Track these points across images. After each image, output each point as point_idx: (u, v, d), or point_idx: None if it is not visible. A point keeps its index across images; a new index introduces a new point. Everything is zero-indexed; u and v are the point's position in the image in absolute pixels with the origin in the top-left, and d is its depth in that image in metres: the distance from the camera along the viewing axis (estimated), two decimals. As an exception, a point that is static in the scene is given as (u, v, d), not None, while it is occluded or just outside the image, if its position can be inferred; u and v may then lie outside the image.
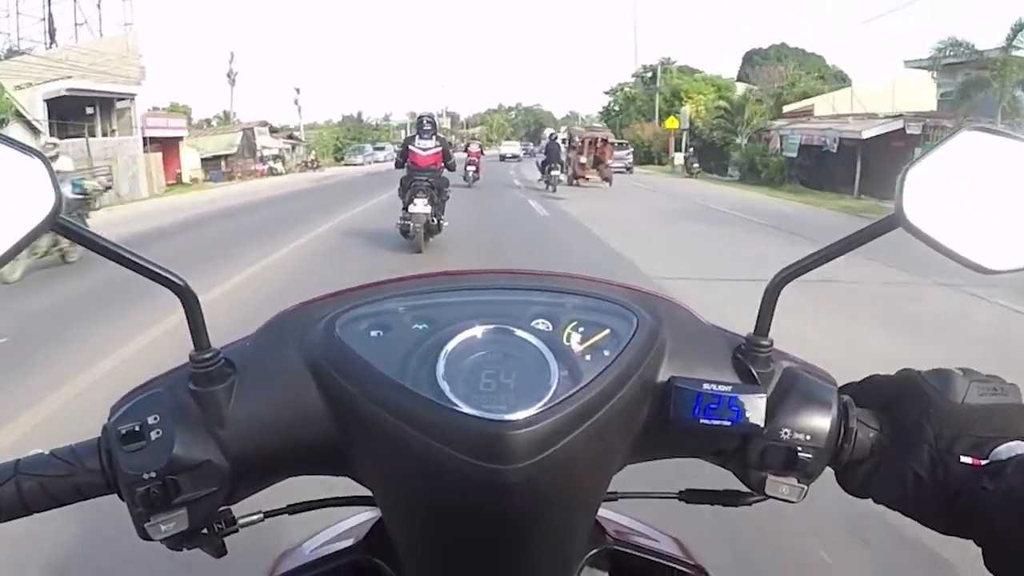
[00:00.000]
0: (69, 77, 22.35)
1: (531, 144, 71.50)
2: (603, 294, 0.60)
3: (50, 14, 27.59)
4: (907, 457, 0.54)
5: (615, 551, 0.69)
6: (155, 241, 11.01)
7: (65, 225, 0.48)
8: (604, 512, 0.72)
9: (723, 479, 0.64)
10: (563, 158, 22.59)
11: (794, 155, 27.15)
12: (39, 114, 20.62)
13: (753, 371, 0.57)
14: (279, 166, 38.24)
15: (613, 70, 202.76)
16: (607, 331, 0.55)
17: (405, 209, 8.98)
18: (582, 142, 24.90)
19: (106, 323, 5.80)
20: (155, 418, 0.52)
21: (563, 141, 24.33)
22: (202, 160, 34.60)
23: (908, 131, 21.39)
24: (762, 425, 0.54)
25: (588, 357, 0.53)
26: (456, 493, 0.50)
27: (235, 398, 0.54)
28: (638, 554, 0.70)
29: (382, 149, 56.26)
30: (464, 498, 0.50)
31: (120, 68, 25.37)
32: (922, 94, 24.42)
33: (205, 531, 0.58)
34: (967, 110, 19.39)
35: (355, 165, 48.65)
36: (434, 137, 9.30)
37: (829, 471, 0.59)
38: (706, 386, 0.54)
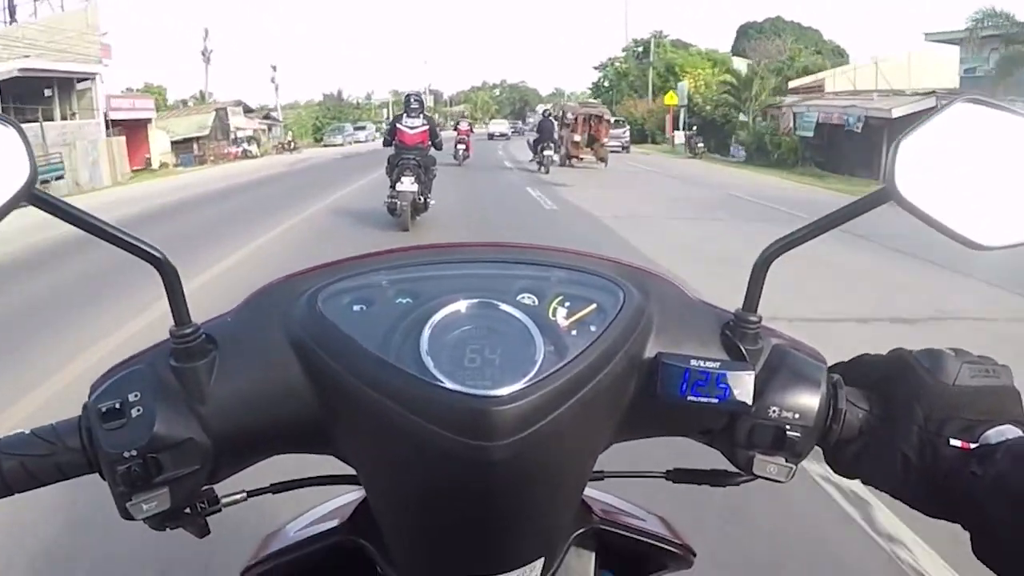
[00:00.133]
0: (26, 56, 20.94)
1: (519, 122, 71.30)
2: (590, 268, 0.59)
3: (7, -12, 26.06)
4: (896, 438, 0.54)
5: (602, 530, 0.68)
6: (92, 243, 9.76)
7: (41, 196, 0.48)
8: (591, 491, 0.70)
9: (712, 459, 0.64)
10: (556, 136, 21.45)
11: (810, 134, 25.50)
12: (-11, 97, 19.26)
13: (742, 348, 0.57)
14: (254, 148, 36.83)
15: (601, 45, 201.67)
16: (593, 306, 0.55)
17: (392, 187, 9.13)
18: (575, 119, 23.70)
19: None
20: (136, 395, 0.52)
21: (555, 118, 23.15)
22: (173, 143, 33.25)
23: (941, 110, 20.29)
24: (750, 403, 0.54)
25: (574, 332, 0.53)
26: (440, 470, 0.50)
27: (216, 374, 0.54)
28: (625, 533, 0.71)
29: (363, 128, 54.86)
30: (448, 475, 0.50)
31: (80, 46, 23.91)
32: (944, 69, 23.37)
33: (188, 511, 0.58)
34: (1008, 86, 18.12)
35: (335, 146, 47.24)
36: (421, 116, 9.42)
37: (817, 450, 0.59)
38: (694, 362, 0.54)
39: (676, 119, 37.62)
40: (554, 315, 0.54)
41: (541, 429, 0.48)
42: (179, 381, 0.53)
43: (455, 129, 25.51)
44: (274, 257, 7.93)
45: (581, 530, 0.66)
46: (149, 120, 31.01)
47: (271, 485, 0.69)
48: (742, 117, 31.32)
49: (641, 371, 0.55)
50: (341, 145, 47.61)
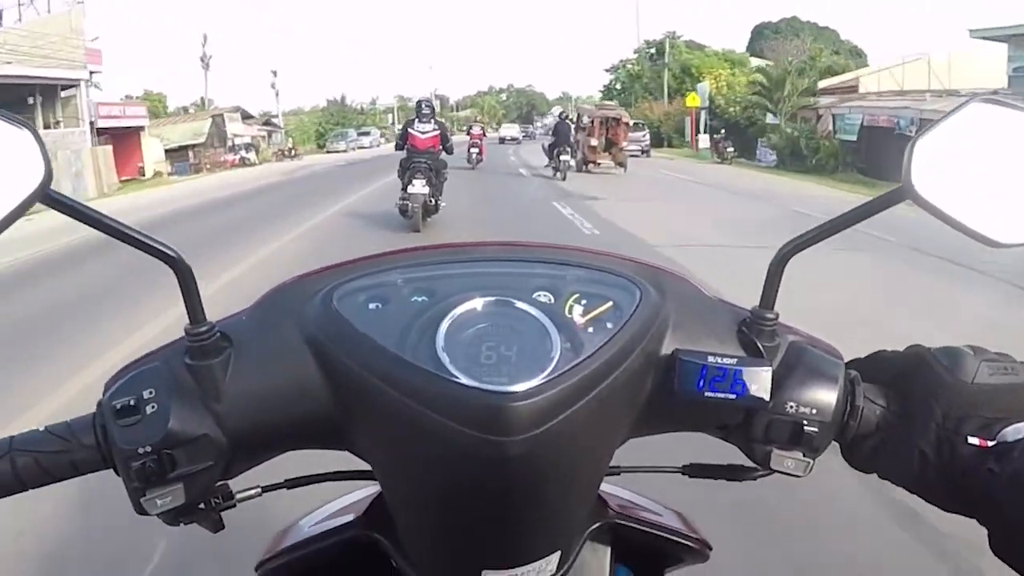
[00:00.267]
0: (8, 63, 19.79)
1: (529, 127, 70.84)
2: (606, 266, 0.60)
3: (-11, -9, 24.93)
4: (914, 435, 0.55)
5: (617, 525, 0.69)
6: (44, 274, 8.45)
7: (56, 197, 0.49)
8: (607, 487, 0.71)
9: (728, 454, 0.64)
10: (572, 140, 20.14)
11: (853, 138, 23.79)
12: (-35, 104, 18.03)
13: (758, 344, 0.57)
14: (252, 156, 35.60)
15: (610, 48, 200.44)
16: (610, 303, 0.55)
17: (404, 190, 9.54)
18: (592, 122, 22.36)
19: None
20: (150, 392, 0.52)
21: (570, 121, 21.84)
22: (167, 151, 32.19)
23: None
24: (767, 399, 0.54)
25: (591, 329, 0.53)
26: (456, 466, 0.50)
27: (231, 372, 0.54)
28: (641, 528, 0.71)
29: (367, 134, 53.95)
30: (464, 471, 0.50)
31: (65, 51, 22.75)
32: (991, 67, 21.85)
33: (202, 506, 0.58)
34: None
35: (337, 152, 46.11)
36: (433, 121, 9.88)
37: (834, 445, 0.59)
38: (711, 359, 0.54)
39: (697, 122, 36.05)
40: (570, 313, 0.54)
41: (557, 425, 0.48)
42: (194, 378, 0.54)
43: (468, 133, 25.80)
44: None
45: (597, 524, 0.66)
46: (142, 128, 29.95)
47: (286, 480, 0.69)
48: (769, 119, 29.64)
49: (658, 368, 0.56)
50: (344, 151, 46.51)
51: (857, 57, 50.06)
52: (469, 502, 0.53)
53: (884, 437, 0.57)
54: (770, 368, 0.55)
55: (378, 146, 51.69)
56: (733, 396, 0.54)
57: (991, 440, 0.52)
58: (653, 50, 53.81)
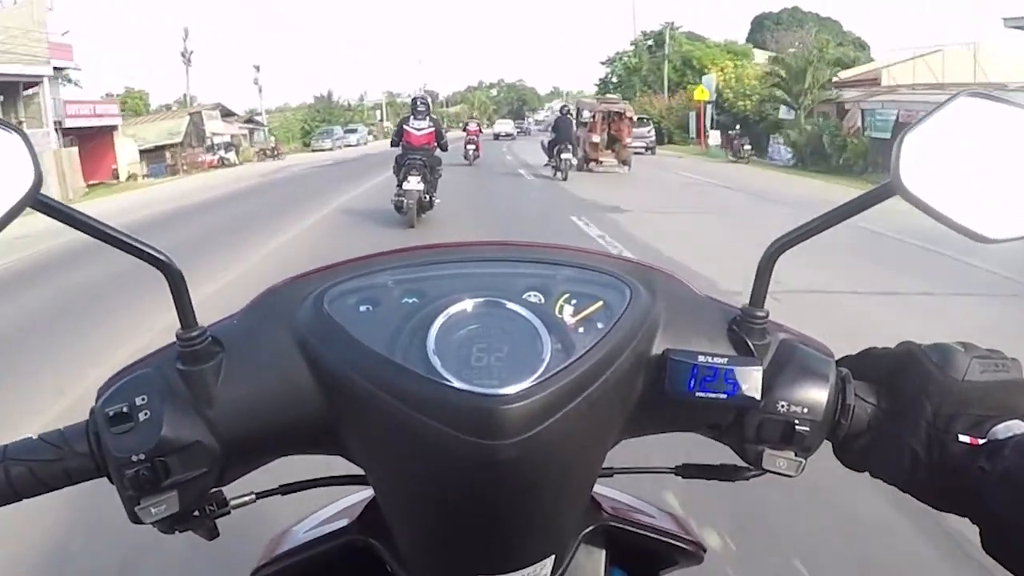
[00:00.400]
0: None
1: (523, 122, 71.76)
2: (596, 266, 0.60)
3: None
4: (905, 433, 0.55)
5: (611, 527, 0.69)
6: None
7: (46, 201, 0.48)
8: (600, 488, 0.71)
9: (721, 454, 0.64)
10: (573, 137, 18.92)
11: (886, 136, 21.52)
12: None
13: (749, 343, 0.58)
14: (231, 156, 34.03)
15: (603, 42, 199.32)
16: (600, 303, 0.56)
17: (399, 186, 9.80)
18: (594, 117, 21.12)
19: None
20: (143, 399, 0.52)
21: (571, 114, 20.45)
22: (143, 152, 30.83)
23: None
24: (759, 398, 0.55)
25: (581, 330, 0.54)
26: (448, 469, 0.51)
27: (223, 377, 0.54)
28: (635, 530, 0.71)
29: (354, 131, 52.49)
30: (456, 474, 0.51)
31: (27, 45, 21.41)
32: (1020, 59, 20.76)
33: (197, 513, 0.58)
34: None
35: (323, 151, 44.42)
36: (428, 118, 10.10)
37: (827, 445, 0.59)
38: (701, 358, 0.55)
39: (702, 117, 34.64)
40: (561, 313, 0.55)
41: (549, 427, 0.49)
42: (186, 384, 0.54)
43: (464, 130, 25.64)
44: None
45: (591, 527, 0.66)
46: (115, 127, 28.58)
47: (280, 486, 0.69)
48: (783, 113, 28.16)
49: (649, 368, 0.56)
50: (330, 150, 44.84)
51: (861, 49, 49.14)
52: (461, 506, 0.53)
53: (875, 436, 0.57)
54: (761, 367, 0.55)
55: (365, 144, 50.42)
56: (724, 396, 0.54)
57: (982, 438, 0.52)
58: (651, 42, 52.59)
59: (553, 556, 0.59)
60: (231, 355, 0.55)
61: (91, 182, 24.35)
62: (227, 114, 40.09)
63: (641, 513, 0.77)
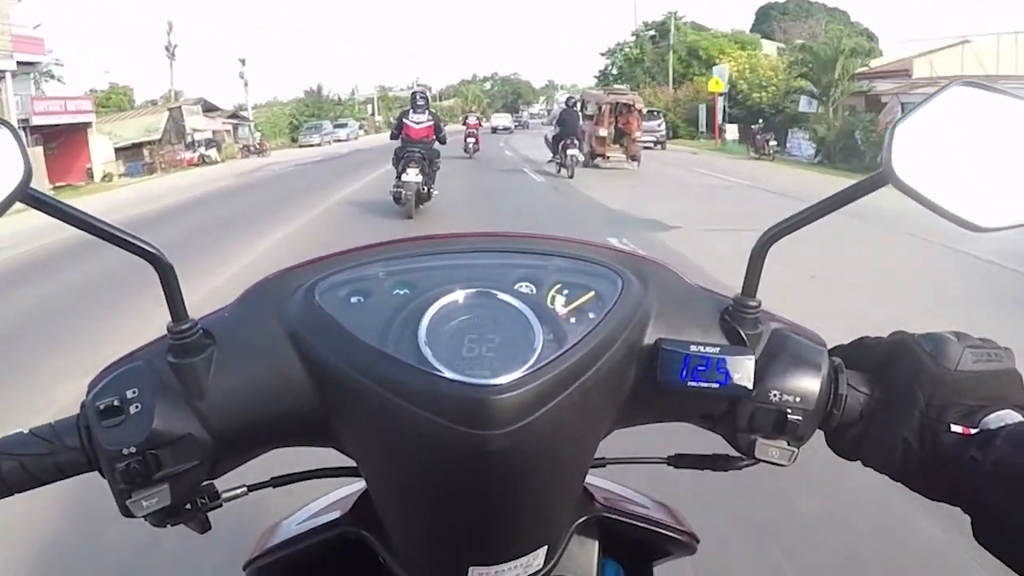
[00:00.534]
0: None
1: (522, 115, 72.39)
2: (587, 256, 0.60)
3: None
4: (897, 423, 0.56)
5: (604, 518, 0.69)
6: None
7: (35, 196, 0.49)
8: (593, 479, 0.72)
9: (713, 444, 0.65)
10: (580, 131, 17.66)
11: None
12: None
13: (741, 332, 0.58)
14: (212, 153, 32.59)
15: (600, 34, 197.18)
16: (592, 293, 0.56)
17: (398, 178, 10.11)
18: (600, 109, 19.86)
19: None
20: (134, 392, 0.53)
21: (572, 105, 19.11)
22: (120, 150, 29.51)
23: None
24: (751, 387, 0.55)
25: (573, 320, 0.54)
26: (440, 460, 0.51)
27: (214, 369, 0.55)
28: (628, 521, 0.72)
29: (343, 126, 51.28)
30: (448, 465, 0.51)
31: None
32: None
33: (188, 506, 0.59)
34: None
35: (311, 146, 43.02)
36: (427, 111, 10.50)
37: (819, 434, 0.60)
38: (693, 348, 0.55)
39: (711, 109, 33.09)
40: (552, 303, 0.55)
41: (541, 417, 0.49)
42: (177, 377, 0.54)
43: (464, 123, 25.78)
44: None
45: (583, 518, 0.66)
46: (88, 124, 27.25)
47: (272, 479, 0.70)
48: (803, 106, 26.70)
49: (641, 357, 0.56)
50: (319, 145, 43.46)
51: (869, 40, 48.09)
52: (453, 497, 0.53)
53: (868, 425, 0.58)
54: (753, 356, 0.55)
55: (356, 139, 49.21)
56: (716, 385, 0.54)
57: (974, 428, 0.53)
58: (653, 32, 51.32)
59: (545, 547, 0.59)
60: (222, 348, 0.55)
61: (58, 184, 22.99)
62: (210, 109, 38.54)
63: (634, 504, 0.77)
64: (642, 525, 0.73)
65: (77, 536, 2.56)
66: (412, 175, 9.90)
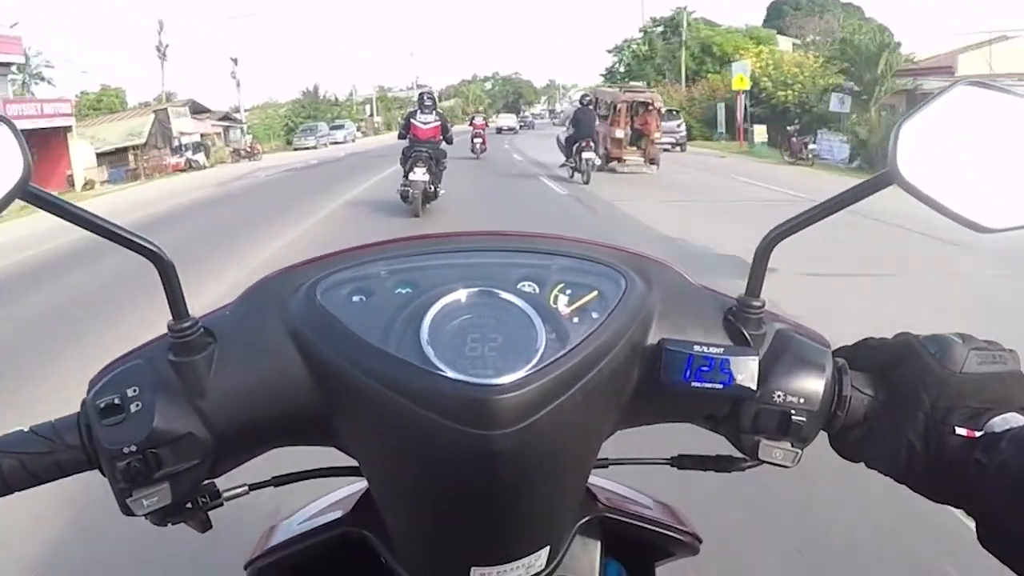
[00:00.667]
0: None
1: (527, 115, 71.94)
2: (591, 255, 0.61)
3: None
4: (901, 425, 0.56)
5: (607, 518, 0.70)
6: None
7: (35, 193, 0.49)
8: (595, 479, 0.72)
9: (717, 445, 0.65)
10: (595, 132, 16.31)
11: None
12: None
13: (745, 333, 0.58)
14: (200, 158, 31.24)
15: (603, 34, 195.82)
16: (595, 293, 0.56)
17: (406, 177, 10.58)
18: (615, 108, 18.48)
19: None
20: (134, 390, 0.53)
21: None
22: (103, 155, 28.19)
23: None
24: (754, 388, 0.55)
25: (576, 319, 0.54)
26: (442, 460, 0.51)
27: (215, 368, 0.55)
28: (631, 521, 0.72)
29: (340, 128, 49.81)
30: (450, 465, 0.51)
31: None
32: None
33: (189, 505, 0.59)
34: None
35: (306, 149, 41.61)
36: (434, 112, 10.95)
37: (823, 435, 0.60)
38: (697, 348, 0.55)
39: (730, 109, 31.55)
40: (555, 303, 0.55)
41: (544, 417, 0.49)
42: (178, 375, 0.54)
43: (471, 124, 26.33)
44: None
45: (586, 518, 0.67)
46: (68, 128, 25.89)
47: (273, 478, 0.70)
48: (833, 105, 25.05)
49: (644, 358, 0.56)
50: (314, 148, 42.08)
51: (882, 35, 46.74)
52: (455, 497, 0.53)
53: (872, 427, 0.58)
54: (756, 357, 0.56)
55: (353, 141, 47.84)
56: (720, 386, 0.55)
57: (978, 430, 0.53)
58: (661, 28, 49.90)
59: (548, 547, 0.59)
60: (223, 346, 0.55)
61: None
62: (199, 111, 37.20)
63: (637, 504, 0.77)
64: (644, 526, 0.72)
65: (77, 536, 2.56)
66: (419, 174, 10.24)
